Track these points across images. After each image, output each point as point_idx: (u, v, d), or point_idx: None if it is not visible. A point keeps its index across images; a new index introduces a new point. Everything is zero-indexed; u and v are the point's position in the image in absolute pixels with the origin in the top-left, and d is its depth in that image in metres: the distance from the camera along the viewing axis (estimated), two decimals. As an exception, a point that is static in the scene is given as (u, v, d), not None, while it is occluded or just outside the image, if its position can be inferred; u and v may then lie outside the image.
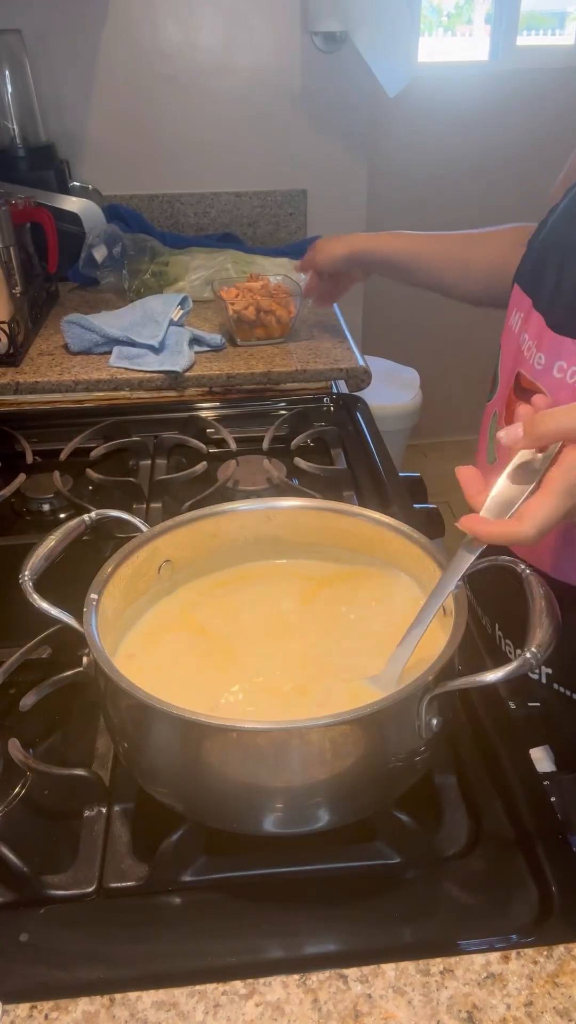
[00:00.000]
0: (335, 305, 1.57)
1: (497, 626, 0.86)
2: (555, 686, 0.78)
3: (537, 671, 0.79)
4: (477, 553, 0.55)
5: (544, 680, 0.79)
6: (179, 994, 0.48)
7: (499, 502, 0.54)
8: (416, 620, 0.56)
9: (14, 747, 0.59)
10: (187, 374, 1.27)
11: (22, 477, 1.00)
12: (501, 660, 0.82)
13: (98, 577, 0.59)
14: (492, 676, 0.49)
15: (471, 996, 0.47)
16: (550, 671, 0.78)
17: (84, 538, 0.65)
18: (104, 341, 1.33)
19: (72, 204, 1.63)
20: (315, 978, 0.48)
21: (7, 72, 1.62)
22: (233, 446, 1.08)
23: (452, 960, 0.49)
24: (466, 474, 0.56)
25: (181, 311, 1.38)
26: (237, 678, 0.59)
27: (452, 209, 2.44)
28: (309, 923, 0.52)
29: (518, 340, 0.77)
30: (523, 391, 0.76)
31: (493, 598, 0.86)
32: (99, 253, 1.59)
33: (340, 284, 1.27)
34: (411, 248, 1.11)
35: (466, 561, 0.55)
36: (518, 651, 0.77)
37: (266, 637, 0.64)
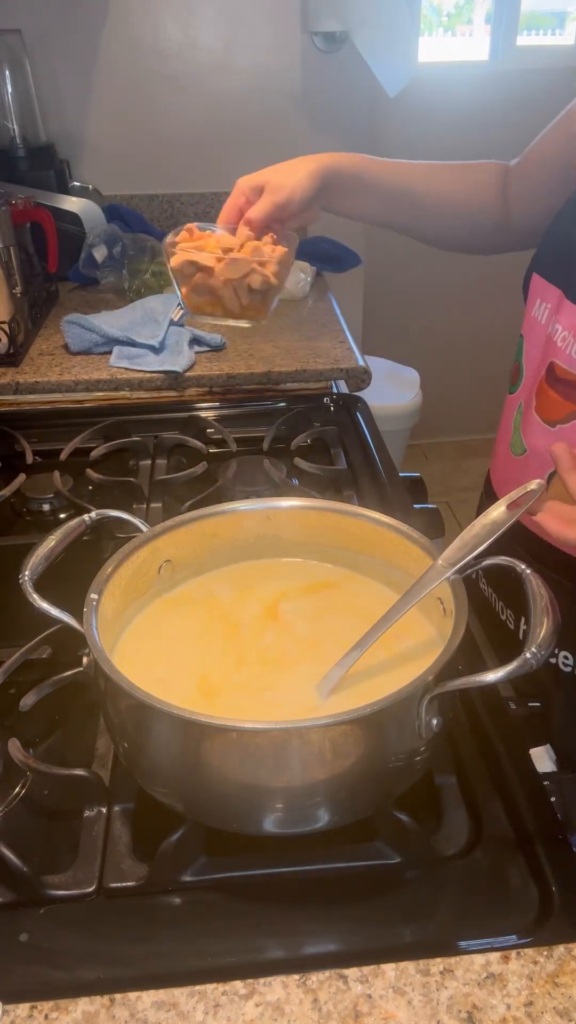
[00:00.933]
0: (335, 305, 1.57)
1: (523, 620, 0.85)
2: None
3: (569, 664, 0.79)
4: (448, 575, 0.56)
5: None
6: (179, 994, 0.48)
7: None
8: (372, 629, 0.57)
9: (14, 747, 0.59)
10: (187, 374, 1.27)
11: (22, 477, 1.00)
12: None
13: (98, 577, 0.59)
14: (492, 676, 0.49)
15: (471, 996, 0.47)
16: None
17: (84, 538, 0.65)
18: (104, 341, 1.33)
19: (72, 204, 1.63)
20: (315, 978, 0.48)
21: (7, 72, 1.62)
22: (233, 446, 1.08)
23: (452, 960, 0.49)
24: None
25: (181, 311, 1.38)
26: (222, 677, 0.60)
27: (452, 209, 2.44)
28: (309, 923, 0.52)
29: (547, 331, 0.76)
30: (558, 381, 0.75)
31: (516, 592, 0.84)
32: (99, 253, 1.59)
33: (292, 224, 0.89)
34: (392, 170, 0.91)
35: (435, 581, 0.56)
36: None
37: (261, 637, 0.64)
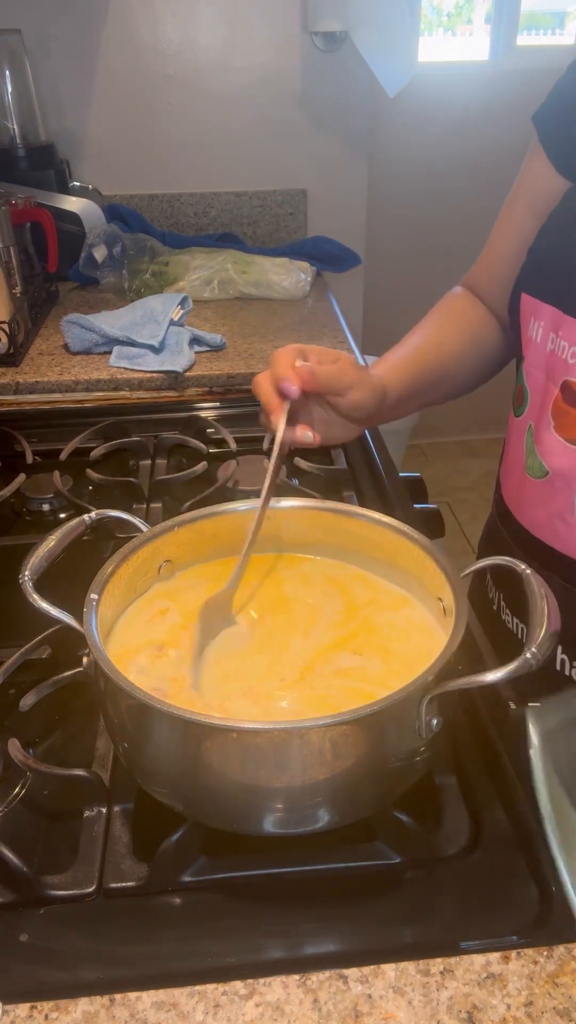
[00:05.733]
0: (335, 305, 1.57)
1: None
2: None
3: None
4: None
5: None
6: (179, 994, 0.48)
7: None
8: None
9: (14, 747, 0.59)
10: (187, 374, 1.27)
11: (22, 477, 1.00)
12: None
13: (98, 577, 0.59)
14: (492, 676, 0.49)
15: (471, 996, 0.47)
16: None
17: (84, 538, 0.65)
18: (104, 341, 1.33)
19: (72, 204, 1.63)
20: (315, 978, 0.48)
21: (7, 72, 1.62)
22: (233, 446, 1.08)
23: (452, 960, 0.49)
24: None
25: (181, 311, 1.38)
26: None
27: (452, 209, 2.44)
28: (309, 923, 0.52)
29: (546, 349, 0.74)
30: None
31: (523, 598, 0.83)
32: (99, 253, 1.59)
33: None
34: (419, 365, 0.84)
35: None
36: (561, 655, 0.76)
37: (258, 637, 0.64)
